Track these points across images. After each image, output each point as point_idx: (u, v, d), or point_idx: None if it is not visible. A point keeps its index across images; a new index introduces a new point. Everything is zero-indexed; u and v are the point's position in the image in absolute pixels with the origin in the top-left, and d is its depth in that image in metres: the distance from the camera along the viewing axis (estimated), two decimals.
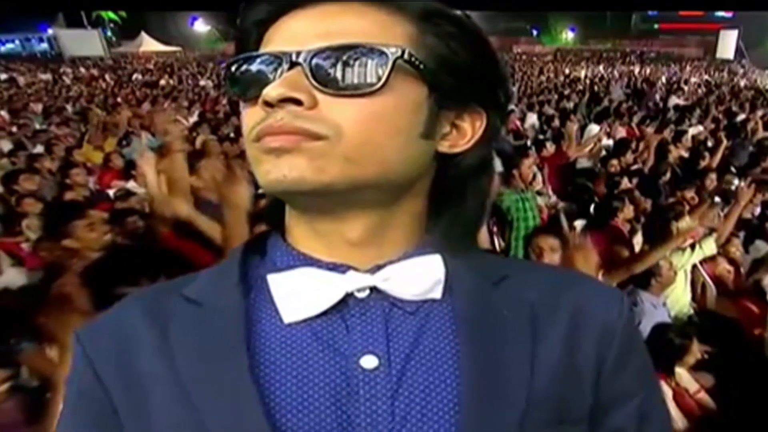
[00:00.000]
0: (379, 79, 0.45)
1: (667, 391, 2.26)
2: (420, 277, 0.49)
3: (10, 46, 34.59)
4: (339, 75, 0.44)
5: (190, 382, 0.46)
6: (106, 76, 19.23)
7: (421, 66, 0.46)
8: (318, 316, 0.48)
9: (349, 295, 0.48)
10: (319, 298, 0.48)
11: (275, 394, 0.45)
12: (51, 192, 4.38)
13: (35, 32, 34.07)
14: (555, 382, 0.48)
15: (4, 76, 19.47)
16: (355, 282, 0.48)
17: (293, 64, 0.45)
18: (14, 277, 2.58)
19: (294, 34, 0.46)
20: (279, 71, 0.45)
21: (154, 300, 0.51)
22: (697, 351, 2.37)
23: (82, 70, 22.23)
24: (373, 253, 0.49)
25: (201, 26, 36.10)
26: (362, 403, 0.45)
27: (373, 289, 0.49)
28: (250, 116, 0.46)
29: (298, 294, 0.48)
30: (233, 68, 0.48)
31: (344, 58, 0.44)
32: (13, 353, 1.79)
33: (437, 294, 0.50)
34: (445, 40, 0.48)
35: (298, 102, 0.44)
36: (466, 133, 0.51)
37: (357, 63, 0.45)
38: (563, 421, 0.47)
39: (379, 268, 0.49)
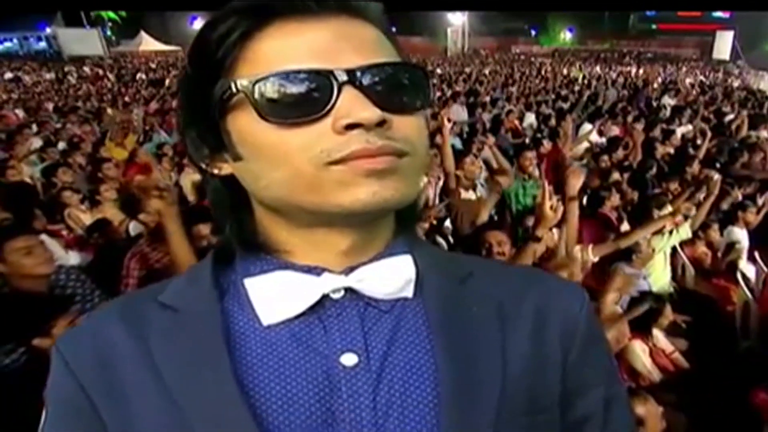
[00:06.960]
0: (427, 96, 0.48)
1: (645, 349, 2.62)
2: (392, 277, 0.50)
3: (8, 44, 34.44)
4: (396, 93, 0.45)
5: (174, 386, 0.46)
6: (110, 75, 19.36)
7: None
8: (296, 318, 0.48)
9: (325, 297, 0.49)
10: (296, 299, 0.48)
11: (259, 394, 0.46)
12: (84, 185, 4.69)
13: (34, 31, 34.04)
14: (526, 372, 0.49)
15: (9, 75, 19.72)
16: (330, 283, 0.49)
17: (346, 83, 0.43)
18: (75, 258, 2.97)
19: (324, 50, 0.44)
20: (332, 89, 0.43)
21: (130, 308, 0.51)
22: (670, 314, 2.72)
23: (86, 69, 22.36)
24: (353, 258, 0.50)
25: (201, 26, 36.02)
26: (345, 399, 0.46)
27: (348, 290, 0.49)
28: (310, 137, 0.43)
29: (276, 296, 0.49)
30: (265, 88, 0.43)
31: (396, 76, 0.46)
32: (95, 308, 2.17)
33: (409, 293, 0.51)
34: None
35: (382, 123, 0.43)
36: None
37: (407, 81, 0.46)
38: (536, 410, 0.49)
39: (352, 269, 0.50)
